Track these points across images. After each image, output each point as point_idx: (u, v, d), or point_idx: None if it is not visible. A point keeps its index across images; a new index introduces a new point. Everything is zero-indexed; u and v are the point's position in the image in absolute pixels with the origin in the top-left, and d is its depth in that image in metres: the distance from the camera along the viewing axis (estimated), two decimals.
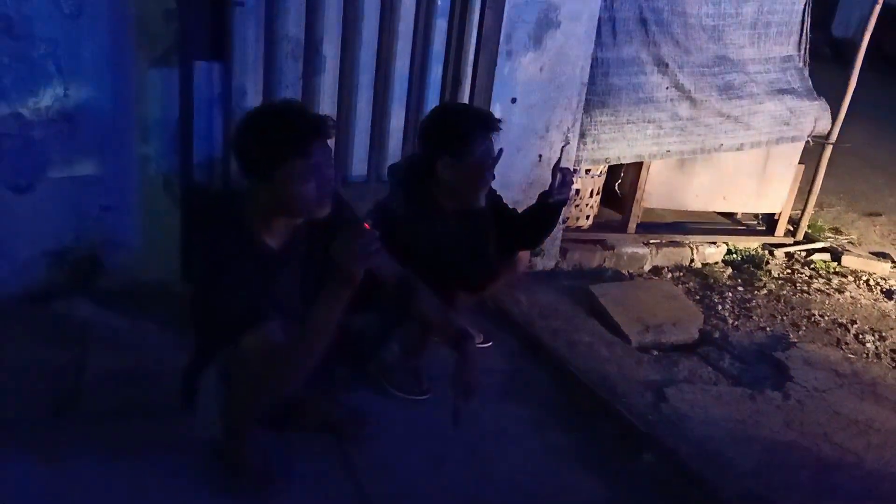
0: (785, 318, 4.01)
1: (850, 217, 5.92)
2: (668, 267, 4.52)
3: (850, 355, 3.63)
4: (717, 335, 3.68)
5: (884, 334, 3.93)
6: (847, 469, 2.71)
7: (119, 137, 3.05)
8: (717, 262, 4.69)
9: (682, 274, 4.46)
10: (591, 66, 3.84)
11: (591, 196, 4.47)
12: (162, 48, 2.97)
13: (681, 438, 2.74)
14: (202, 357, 2.17)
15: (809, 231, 5.16)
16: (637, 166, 4.45)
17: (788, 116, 4.55)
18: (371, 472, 2.42)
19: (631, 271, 4.40)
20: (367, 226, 1.78)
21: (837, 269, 4.78)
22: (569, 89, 3.78)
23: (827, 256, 4.91)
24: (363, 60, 3.26)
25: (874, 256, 5.00)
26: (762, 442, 2.80)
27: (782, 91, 4.54)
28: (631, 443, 2.72)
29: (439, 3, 3.30)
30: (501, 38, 3.44)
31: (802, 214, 5.02)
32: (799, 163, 4.86)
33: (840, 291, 4.46)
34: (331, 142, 2.10)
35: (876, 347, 3.79)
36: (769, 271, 4.62)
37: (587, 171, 4.32)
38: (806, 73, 4.69)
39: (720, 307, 4.04)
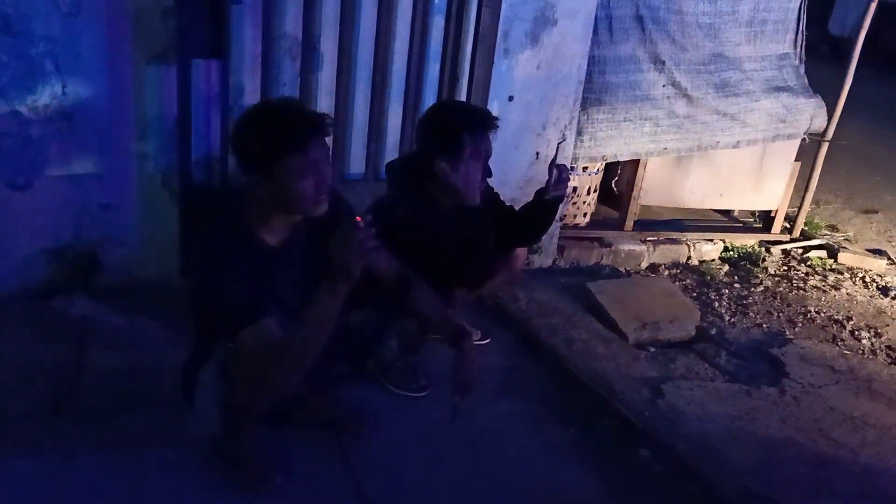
0: (781, 314, 4.03)
1: (846, 214, 5.93)
2: (665, 264, 4.54)
3: (845, 352, 3.65)
4: (713, 332, 3.69)
5: (879, 331, 3.94)
6: (843, 465, 2.72)
7: (117, 135, 3.06)
8: (713, 259, 4.71)
9: (679, 271, 4.48)
10: (588, 64, 3.85)
11: (588, 194, 4.48)
12: (160, 46, 2.98)
13: (677, 434, 2.75)
14: (201, 353, 2.18)
15: (806, 228, 5.17)
16: (634, 164, 4.46)
17: (785, 114, 4.57)
18: (369, 468, 2.44)
19: (628, 268, 4.41)
20: (363, 222, 1.79)
21: (834, 266, 4.79)
22: (566, 87, 3.79)
23: (823, 253, 4.93)
24: (360, 58, 3.26)
25: (870, 253, 5.01)
26: (758, 438, 2.81)
27: (778, 88, 4.55)
28: (628, 439, 2.74)
29: (436, 0, 3.31)
30: (498, 36, 3.45)
31: (799, 211, 5.04)
32: (795, 160, 4.87)
33: (836, 288, 4.47)
34: (329, 140, 2.11)
35: (872, 344, 3.80)
36: (766, 268, 4.64)
37: (584, 168, 4.34)
38: (802, 70, 4.70)
39: (717, 304, 4.05)
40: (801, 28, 4.59)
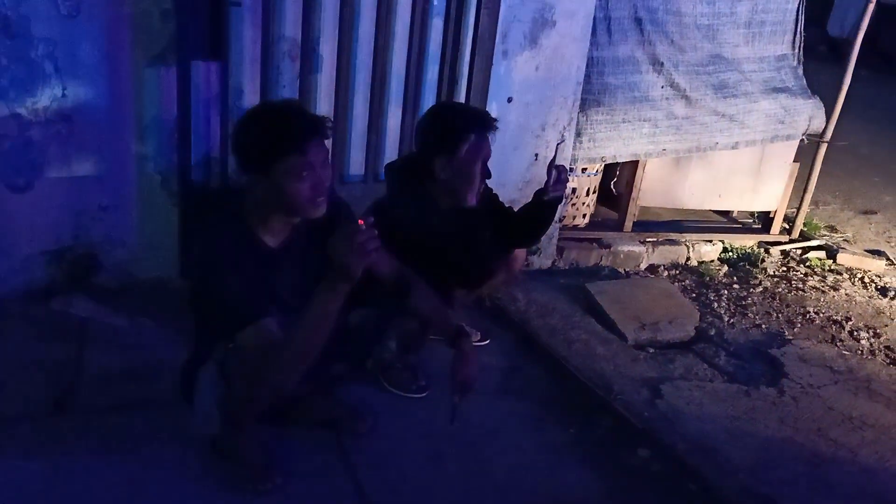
0: (780, 315, 4.03)
1: (845, 215, 5.94)
2: (664, 265, 4.54)
3: (844, 352, 3.65)
4: (712, 332, 3.70)
5: (878, 331, 3.95)
6: (841, 464, 2.72)
7: (117, 137, 3.06)
8: (713, 260, 4.71)
9: (678, 272, 4.48)
10: (587, 66, 3.86)
11: (587, 195, 4.49)
12: (159, 48, 2.98)
13: (676, 435, 2.76)
14: (201, 353, 2.19)
15: (805, 229, 5.18)
16: (633, 165, 4.47)
17: (783, 115, 4.57)
18: (369, 468, 2.44)
19: (627, 269, 4.42)
20: (363, 225, 1.79)
21: (833, 267, 4.80)
22: (564, 88, 3.80)
23: (822, 254, 4.93)
24: (360, 60, 3.27)
25: (869, 254, 5.02)
26: (757, 438, 2.82)
27: (777, 90, 4.56)
28: (627, 439, 2.74)
29: (435, 2, 3.32)
30: (497, 38, 3.46)
31: (798, 212, 5.05)
32: (794, 161, 4.88)
33: (835, 289, 4.48)
34: (328, 143, 2.11)
35: (870, 344, 3.80)
36: (765, 269, 4.64)
37: (583, 169, 4.34)
38: (800, 71, 4.71)
39: (716, 305, 4.06)
40: (799, 29, 4.61)
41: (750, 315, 3.98)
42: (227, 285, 1.98)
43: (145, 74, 3.01)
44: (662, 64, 4.17)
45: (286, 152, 1.96)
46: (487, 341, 3.29)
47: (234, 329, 1.97)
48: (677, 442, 2.71)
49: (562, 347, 3.30)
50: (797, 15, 4.55)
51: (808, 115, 4.68)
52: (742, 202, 5.01)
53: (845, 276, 4.69)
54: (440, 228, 2.61)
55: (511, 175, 3.78)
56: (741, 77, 4.44)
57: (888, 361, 3.64)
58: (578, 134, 4.00)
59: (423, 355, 2.90)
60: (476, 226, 2.66)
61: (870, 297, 4.44)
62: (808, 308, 4.14)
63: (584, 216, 4.55)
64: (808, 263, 4.80)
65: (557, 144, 3.81)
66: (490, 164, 2.69)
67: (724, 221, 5.19)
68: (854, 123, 6.40)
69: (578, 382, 3.04)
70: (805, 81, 4.72)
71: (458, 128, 2.60)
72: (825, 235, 5.30)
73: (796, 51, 4.67)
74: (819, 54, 10.50)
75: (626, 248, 4.45)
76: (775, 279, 4.52)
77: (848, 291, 4.46)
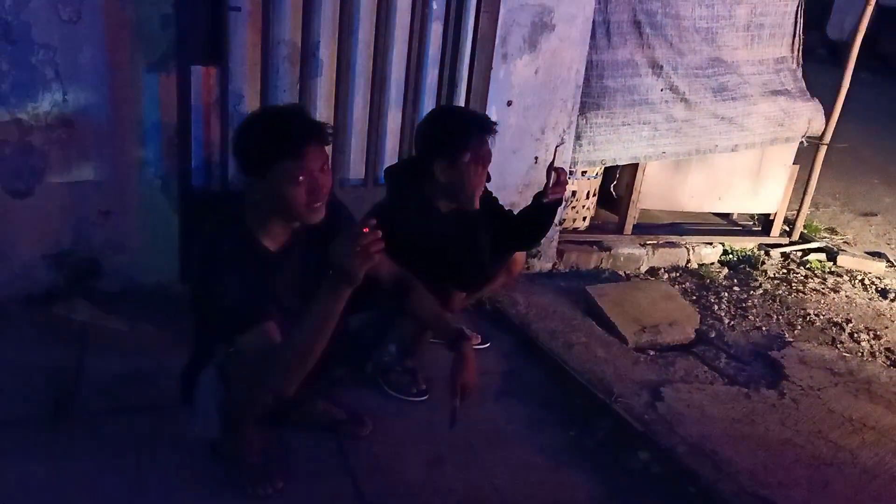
0: (780, 317, 4.03)
1: (845, 217, 5.95)
2: (664, 267, 4.54)
3: (845, 354, 3.65)
4: (713, 335, 3.70)
5: (879, 333, 3.95)
6: (841, 466, 2.72)
7: (117, 141, 3.08)
8: (713, 263, 4.71)
9: (678, 274, 4.48)
10: (586, 69, 3.87)
11: (587, 198, 4.49)
12: (159, 53, 3.00)
13: (677, 437, 2.75)
14: (201, 357, 2.19)
15: (805, 231, 5.18)
16: (633, 168, 4.47)
17: (782, 117, 4.58)
18: (369, 471, 2.45)
19: (628, 272, 4.42)
20: (367, 229, 1.78)
21: (833, 269, 4.80)
22: (564, 92, 3.81)
23: (822, 256, 4.93)
24: (359, 64, 3.28)
25: (869, 256, 5.02)
26: (757, 440, 2.82)
27: (776, 92, 4.57)
28: (627, 441, 2.74)
29: (434, 7, 3.33)
30: (497, 42, 3.47)
31: (798, 215, 5.05)
32: (794, 163, 4.88)
33: (835, 291, 4.48)
34: (328, 149, 2.11)
35: (871, 346, 3.80)
36: (765, 271, 4.64)
37: (583, 172, 4.35)
38: (799, 74, 4.72)
39: (716, 307, 4.06)
40: (798, 32, 4.61)
41: (750, 317, 3.98)
42: (228, 289, 1.98)
43: (145, 79, 3.02)
44: (662, 67, 4.17)
45: (283, 156, 1.97)
46: (488, 344, 3.30)
47: (234, 333, 1.97)
48: (677, 444, 2.71)
49: (562, 350, 3.30)
50: (796, 18, 4.56)
51: (808, 117, 4.68)
52: (742, 204, 5.01)
53: (845, 278, 4.69)
54: (440, 232, 2.61)
55: (511, 178, 3.78)
56: (740, 80, 4.44)
57: (888, 363, 3.64)
58: (578, 137, 4.01)
59: (423, 358, 2.90)
60: (476, 229, 2.67)
61: (870, 299, 4.44)
62: (808, 310, 4.14)
63: (585, 219, 4.55)
64: (808, 265, 4.80)
65: (557, 147, 3.81)
66: (490, 167, 2.69)
67: (724, 224, 5.19)
68: (854, 125, 6.40)
69: (579, 385, 3.05)
70: (804, 84, 4.73)
71: (457, 131, 2.60)
72: (825, 237, 5.30)
73: (795, 53, 4.68)
74: (818, 57, 10.52)
75: (626, 251, 4.46)
76: (775, 281, 4.52)
77: (848, 293, 4.46)
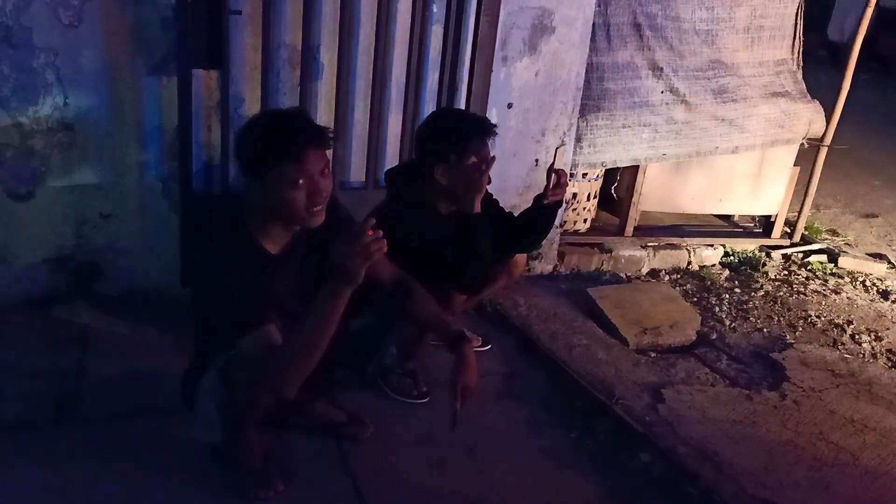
0: (782, 319, 4.03)
1: (846, 219, 5.95)
2: (665, 269, 4.54)
3: (846, 355, 3.65)
4: (714, 337, 3.70)
5: (880, 334, 3.95)
6: (843, 468, 2.72)
7: (118, 145, 3.08)
8: (714, 265, 4.71)
9: (679, 276, 4.49)
10: (587, 71, 3.87)
11: (588, 200, 4.49)
12: (160, 56, 3.00)
13: (677, 439, 2.75)
14: (202, 360, 2.19)
15: (806, 233, 5.18)
16: (633, 170, 4.48)
17: (783, 119, 4.58)
18: (369, 473, 2.45)
19: (629, 274, 4.42)
20: (370, 231, 1.78)
21: (834, 271, 4.80)
22: (564, 94, 3.81)
23: (823, 258, 4.93)
24: (359, 67, 3.29)
25: (870, 257, 5.02)
26: (758, 442, 2.82)
27: (776, 94, 4.57)
28: (628, 443, 2.74)
29: (434, 9, 3.33)
30: (497, 44, 3.47)
31: (799, 216, 5.05)
32: (794, 165, 4.88)
33: (836, 292, 4.48)
34: (329, 153, 2.12)
35: (872, 347, 3.80)
36: (766, 273, 4.64)
37: (584, 175, 4.35)
38: (799, 75, 4.72)
39: (717, 309, 4.06)
40: (798, 34, 4.62)
41: (751, 319, 3.98)
42: (228, 292, 1.98)
43: (146, 83, 3.03)
44: (662, 69, 4.18)
45: (283, 159, 1.97)
46: (489, 346, 3.30)
47: (235, 336, 1.97)
48: (678, 446, 2.71)
49: (563, 352, 3.30)
50: (796, 19, 4.57)
51: (808, 119, 4.69)
52: (743, 206, 5.02)
53: (847, 279, 4.69)
54: (440, 234, 2.61)
55: (511, 180, 3.79)
56: (740, 82, 4.45)
57: (890, 365, 3.63)
58: (578, 139, 4.01)
59: (424, 361, 2.90)
60: (476, 231, 2.67)
61: (871, 300, 4.44)
62: (809, 312, 4.14)
63: (585, 221, 4.55)
64: (809, 267, 4.80)
65: (557, 149, 3.82)
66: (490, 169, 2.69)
67: (725, 226, 5.19)
68: (854, 127, 6.40)
69: (579, 387, 3.04)
70: (804, 86, 4.73)
71: (458, 134, 2.60)
72: (826, 239, 5.30)
73: (795, 55, 4.68)
74: (818, 58, 10.52)
75: (627, 253, 4.46)
76: (777, 283, 4.52)
77: (849, 295, 4.46)
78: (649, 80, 4.17)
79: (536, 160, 3.86)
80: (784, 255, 4.94)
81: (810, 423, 2.97)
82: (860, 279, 4.71)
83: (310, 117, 2.11)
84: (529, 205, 2.85)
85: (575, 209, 4.43)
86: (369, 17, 3.22)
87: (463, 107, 3.46)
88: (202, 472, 2.33)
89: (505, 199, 3.11)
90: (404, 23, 3.29)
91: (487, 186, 2.73)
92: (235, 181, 3.06)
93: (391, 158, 3.46)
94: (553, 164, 2.77)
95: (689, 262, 4.64)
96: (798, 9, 4.53)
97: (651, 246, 4.57)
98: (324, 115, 3.25)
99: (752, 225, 5.25)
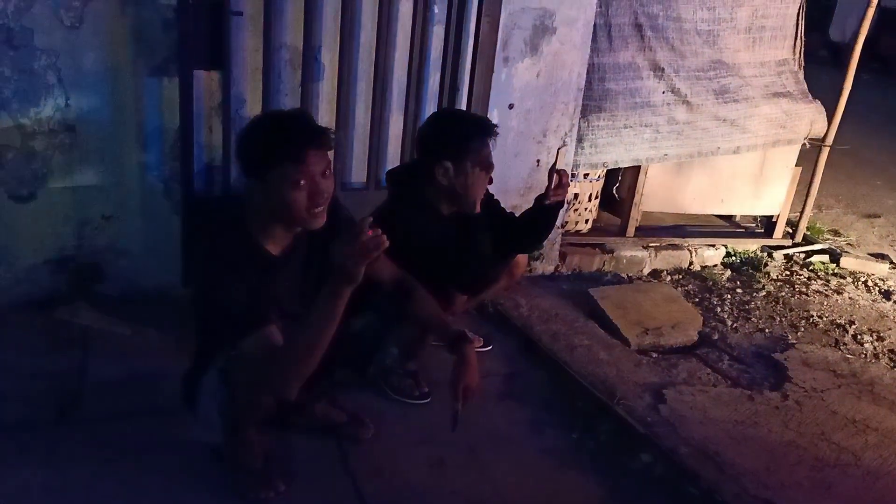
0: (784, 319, 4.03)
1: (848, 219, 5.94)
2: (667, 270, 4.54)
3: (848, 356, 3.65)
4: (716, 337, 3.70)
5: (882, 335, 3.94)
6: (845, 468, 2.71)
7: (119, 146, 3.08)
8: (715, 265, 4.71)
9: (681, 277, 4.48)
10: (588, 72, 3.87)
11: (589, 200, 4.49)
12: (161, 57, 3.00)
13: (679, 439, 2.75)
14: (203, 361, 2.20)
15: (808, 233, 5.18)
16: (635, 170, 4.48)
17: (784, 119, 4.58)
18: (370, 474, 2.45)
19: (630, 274, 4.41)
20: (370, 231, 1.78)
21: (836, 271, 4.79)
22: (565, 95, 3.81)
23: (825, 258, 4.93)
24: (361, 68, 3.29)
25: (872, 258, 5.02)
26: (760, 442, 2.81)
27: (778, 94, 4.57)
28: (629, 444, 2.74)
29: (436, 11, 3.33)
30: (498, 45, 3.47)
31: (801, 216, 5.05)
32: (796, 165, 4.88)
33: (838, 293, 4.47)
34: (331, 154, 2.12)
35: (874, 348, 3.80)
36: (768, 273, 4.64)
37: (585, 175, 4.34)
38: (801, 76, 4.72)
39: (719, 309, 4.06)
40: (799, 34, 4.62)
41: (753, 319, 3.98)
42: (229, 293, 1.98)
43: (147, 84, 3.03)
44: (663, 69, 4.18)
45: (283, 160, 1.97)
46: (490, 347, 3.30)
47: (236, 337, 1.98)
48: (680, 447, 2.71)
49: (564, 353, 3.30)
50: (797, 20, 4.56)
51: (810, 119, 4.69)
52: (744, 206, 5.01)
53: (849, 279, 4.69)
54: (441, 234, 2.61)
55: (513, 181, 3.79)
56: (742, 82, 4.45)
57: (892, 365, 3.63)
58: (580, 140, 4.01)
59: (425, 361, 2.90)
60: (477, 232, 2.67)
61: (873, 300, 4.43)
62: (811, 312, 4.14)
63: (587, 222, 4.55)
64: (811, 267, 4.80)
65: (559, 149, 3.82)
66: None
67: (727, 226, 5.19)
68: (856, 127, 6.40)
69: (581, 387, 3.04)
70: (806, 86, 4.73)
71: (459, 134, 2.60)
72: (828, 239, 5.30)
73: (797, 55, 4.68)
74: (820, 59, 10.52)
75: (628, 254, 4.46)
76: (778, 283, 4.52)
77: (851, 295, 4.46)
78: (651, 80, 4.17)
79: (538, 161, 3.86)
80: (786, 256, 4.94)
81: (812, 424, 2.97)
82: (862, 279, 4.71)
83: (311, 118, 2.11)
84: (531, 206, 2.85)
85: (576, 210, 4.43)
86: (370, 17, 3.22)
87: (464, 107, 3.46)
88: (203, 472, 2.33)
89: (506, 200, 3.11)
90: (405, 24, 3.29)
91: (489, 187, 2.73)
92: (237, 182, 3.06)
93: (392, 159, 3.46)
94: (555, 164, 2.76)
95: (691, 263, 4.64)
96: (799, 9, 4.53)
97: (653, 246, 4.57)
98: (325, 116, 3.25)
99: (754, 225, 5.25)
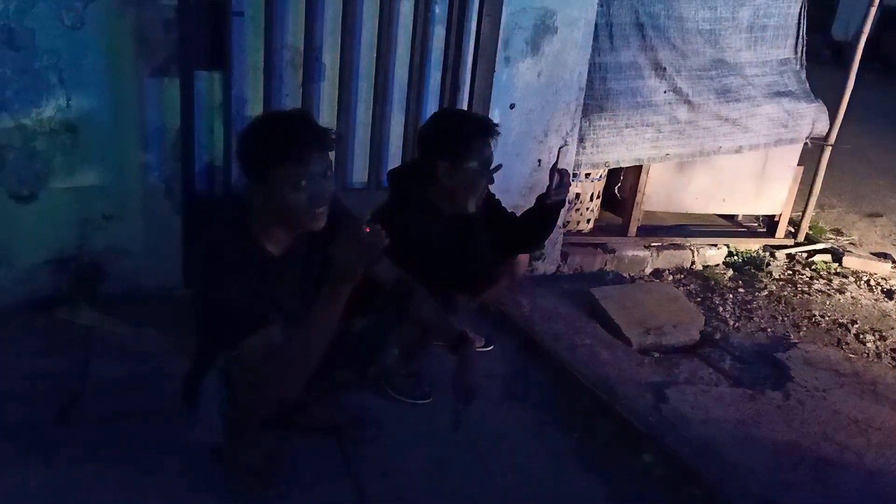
0: (786, 318, 4.02)
1: (850, 218, 5.93)
2: (669, 269, 4.54)
3: (850, 355, 3.64)
4: (717, 336, 3.70)
5: (884, 334, 3.93)
6: (847, 467, 2.71)
7: (120, 146, 3.08)
8: (717, 265, 4.71)
9: (683, 276, 4.48)
10: (589, 71, 3.86)
11: (591, 200, 4.49)
12: (162, 58, 3.00)
13: (681, 439, 2.75)
14: (204, 362, 2.19)
15: (810, 232, 5.17)
16: (637, 170, 4.47)
17: (786, 119, 4.57)
18: (372, 474, 2.44)
19: (632, 274, 4.41)
20: (368, 228, 1.78)
21: (838, 270, 4.79)
22: (567, 94, 3.81)
23: (828, 257, 4.92)
24: (362, 68, 3.29)
25: (875, 257, 5.01)
26: (762, 442, 2.81)
27: (780, 94, 4.56)
28: (631, 444, 2.73)
29: (437, 10, 3.33)
30: (499, 45, 3.47)
31: (803, 216, 5.04)
32: (798, 164, 4.87)
33: (841, 292, 4.47)
34: (331, 155, 2.11)
35: (876, 347, 3.79)
36: (770, 273, 4.63)
37: (587, 175, 4.34)
38: (803, 75, 4.71)
39: (721, 309, 4.05)
40: (801, 33, 4.61)
41: (755, 319, 3.97)
42: (230, 294, 1.98)
43: (149, 84, 3.03)
44: (665, 69, 4.17)
45: (284, 161, 1.96)
46: (491, 347, 3.29)
47: (237, 337, 1.97)
48: (682, 446, 2.70)
49: (566, 352, 3.29)
50: (799, 19, 4.56)
51: (812, 118, 4.68)
52: (746, 206, 5.01)
53: (851, 279, 4.68)
54: (443, 234, 2.61)
55: (514, 181, 3.78)
56: (744, 81, 4.44)
57: (894, 364, 3.63)
58: (582, 139, 4.01)
59: (427, 361, 2.90)
60: (478, 231, 2.66)
61: (875, 300, 4.43)
62: (813, 311, 4.13)
63: (589, 221, 4.55)
64: (813, 267, 4.79)
65: (560, 149, 3.81)
66: None
67: (729, 225, 5.19)
68: (858, 127, 6.39)
69: (582, 387, 3.04)
70: (808, 85, 4.72)
71: (460, 134, 2.60)
72: (831, 239, 5.29)
73: (799, 55, 4.67)
74: (822, 58, 10.51)
75: (630, 253, 4.45)
76: (781, 283, 4.51)
77: (853, 294, 4.45)
78: (652, 79, 4.17)
79: (539, 161, 3.86)
80: (788, 255, 4.93)
81: (814, 423, 2.96)
82: (864, 279, 4.70)
83: (312, 119, 2.11)
84: (532, 205, 2.84)
85: (578, 209, 4.43)
86: (372, 17, 3.22)
87: (465, 107, 3.45)
88: (204, 473, 2.32)
89: (508, 200, 3.10)
90: (407, 23, 3.29)
91: (490, 187, 2.73)
92: (238, 183, 3.06)
93: (394, 159, 3.46)
94: (556, 164, 2.76)
95: (693, 262, 4.63)
96: (801, 8, 4.52)
97: (654, 246, 4.57)
98: (326, 117, 3.25)
99: (756, 225, 5.24)
